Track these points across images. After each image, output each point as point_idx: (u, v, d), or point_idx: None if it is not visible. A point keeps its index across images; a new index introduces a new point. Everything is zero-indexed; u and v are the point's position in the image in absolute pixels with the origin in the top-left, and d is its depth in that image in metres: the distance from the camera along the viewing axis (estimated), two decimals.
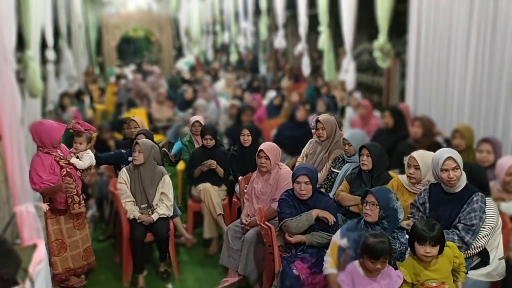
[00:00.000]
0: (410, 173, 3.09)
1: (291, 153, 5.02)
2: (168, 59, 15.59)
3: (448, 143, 4.06)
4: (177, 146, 5.01)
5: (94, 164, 3.54)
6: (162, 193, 3.69)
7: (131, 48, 17.32)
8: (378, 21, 5.54)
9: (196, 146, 4.61)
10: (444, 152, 2.81)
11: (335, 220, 3.08)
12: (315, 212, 3.07)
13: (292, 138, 5.06)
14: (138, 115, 6.95)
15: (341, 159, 3.87)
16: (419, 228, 2.55)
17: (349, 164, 3.74)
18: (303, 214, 3.06)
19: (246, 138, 4.24)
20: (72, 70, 8.37)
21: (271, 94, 8.52)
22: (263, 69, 12.23)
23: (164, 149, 4.31)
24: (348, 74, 7.21)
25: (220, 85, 9.44)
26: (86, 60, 11.65)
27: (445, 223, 2.73)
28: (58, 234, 3.38)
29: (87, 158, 3.45)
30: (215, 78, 11.16)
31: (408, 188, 3.11)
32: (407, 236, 2.72)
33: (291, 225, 3.05)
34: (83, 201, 3.39)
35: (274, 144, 3.71)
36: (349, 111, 6.69)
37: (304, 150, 4.24)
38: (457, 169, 2.74)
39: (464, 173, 2.77)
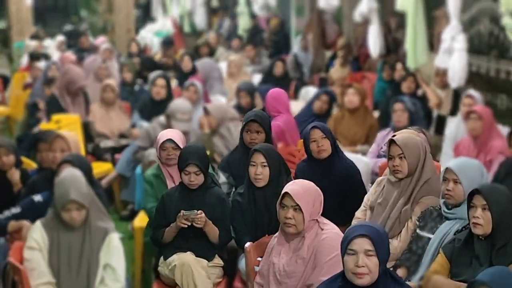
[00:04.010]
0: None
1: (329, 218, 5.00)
2: (125, 25, 15.86)
3: None
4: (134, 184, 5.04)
5: None
6: (106, 266, 3.75)
7: (59, 6, 17.77)
8: None
9: (169, 184, 4.65)
10: None
11: None
12: None
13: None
14: (67, 127, 7.10)
15: (435, 213, 3.90)
16: None
17: (450, 223, 3.76)
18: None
19: (258, 172, 4.29)
20: None
21: (309, 91, 8.57)
22: (296, 46, 12.37)
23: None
24: (453, 56, 7.25)
25: (217, 73, 9.55)
26: None
27: None
28: None
29: None
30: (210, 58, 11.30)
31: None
32: None
33: None
34: None
35: (311, 185, 3.74)
36: (453, 125, 6.70)
37: (368, 197, 4.27)
38: None
39: None
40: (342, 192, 4.60)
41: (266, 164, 4.29)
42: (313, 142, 4.66)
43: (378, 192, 4.23)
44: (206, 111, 5.69)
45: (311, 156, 4.71)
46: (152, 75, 8.71)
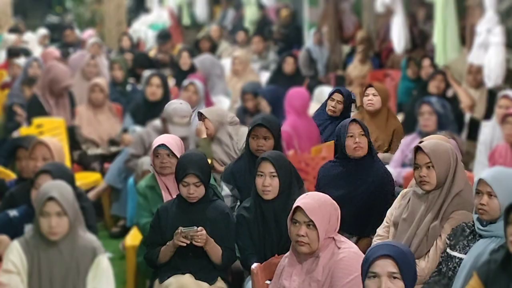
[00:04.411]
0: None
1: (353, 229, 4.98)
2: (115, 16, 15.89)
3: None
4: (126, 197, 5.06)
5: None
6: None
7: None
8: None
9: (165, 197, 4.69)
10: None
11: None
12: None
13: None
14: (50, 133, 7.13)
15: (467, 230, 3.90)
16: None
17: (485, 241, 3.76)
18: None
19: (267, 183, 4.32)
20: None
21: (324, 91, 8.59)
22: (309, 40, 12.38)
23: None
24: (489, 52, 7.24)
25: (219, 71, 9.59)
26: None
27: None
28: None
29: None
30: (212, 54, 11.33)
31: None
32: None
33: None
34: None
35: (326, 198, 3.77)
36: (487, 129, 6.71)
37: (391, 212, 4.28)
38: None
39: None
40: (370, 200, 4.67)
41: (275, 174, 4.30)
42: (350, 137, 4.76)
43: (402, 206, 4.23)
44: (201, 116, 5.72)
45: (343, 154, 4.78)
46: (147, 73, 8.74)
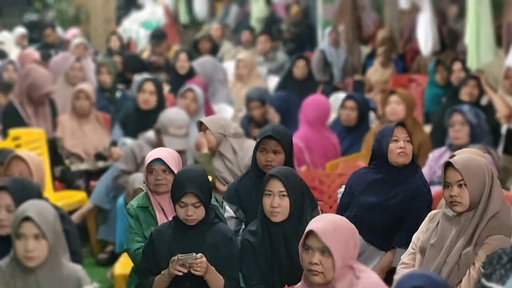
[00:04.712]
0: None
1: (383, 242, 5.04)
2: (103, 13, 15.95)
3: None
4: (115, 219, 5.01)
5: None
6: None
7: None
8: None
9: (160, 219, 4.68)
10: None
11: None
12: None
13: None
14: (28, 146, 7.11)
15: (505, 258, 3.82)
16: None
17: None
18: None
19: (276, 203, 4.31)
20: None
21: (340, 99, 8.57)
22: (323, 40, 12.39)
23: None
24: None
25: (221, 75, 9.58)
26: None
27: None
28: None
29: None
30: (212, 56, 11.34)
31: None
32: None
33: None
34: None
35: (343, 220, 3.76)
36: None
37: (417, 237, 4.27)
38: None
39: None
40: (405, 211, 4.73)
41: (285, 193, 4.29)
42: (394, 141, 4.80)
43: (430, 230, 4.22)
44: (202, 127, 5.68)
45: (382, 160, 4.83)
46: (138, 78, 8.74)
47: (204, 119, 5.79)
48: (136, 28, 15.23)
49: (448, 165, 4.13)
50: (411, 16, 10.54)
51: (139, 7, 17.60)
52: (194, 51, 10.88)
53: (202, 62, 9.31)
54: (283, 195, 4.28)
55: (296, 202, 4.32)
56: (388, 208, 4.77)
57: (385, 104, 6.89)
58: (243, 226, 4.83)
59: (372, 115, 7.86)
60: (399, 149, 4.77)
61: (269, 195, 4.30)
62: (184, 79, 8.92)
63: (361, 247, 4.27)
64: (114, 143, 7.38)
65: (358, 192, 4.86)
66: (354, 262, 3.70)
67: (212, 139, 5.60)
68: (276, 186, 4.29)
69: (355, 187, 4.95)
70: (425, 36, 9.42)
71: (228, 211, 4.90)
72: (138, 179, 5.70)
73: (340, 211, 4.90)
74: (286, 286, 4.12)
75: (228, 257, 4.34)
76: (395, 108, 6.70)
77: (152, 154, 4.79)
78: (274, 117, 6.85)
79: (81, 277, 3.78)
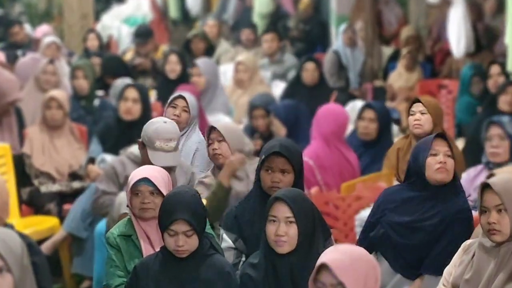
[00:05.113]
0: None
1: (411, 270, 5.04)
2: (79, 8, 15.99)
3: None
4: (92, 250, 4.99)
5: None
6: None
7: None
8: None
9: (145, 250, 4.69)
10: None
11: None
12: None
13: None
14: None
15: None
16: None
17: None
18: None
19: (281, 231, 4.30)
20: None
21: (358, 107, 8.59)
22: (337, 39, 12.44)
23: None
24: None
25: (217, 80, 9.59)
26: None
27: None
28: None
29: None
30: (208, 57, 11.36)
31: None
32: None
33: None
34: None
35: (361, 252, 3.73)
36: None
37: (449, 271, 4.29)
38: None
39: None
40: (437, 238, 4.79)
41: (292, 219, 4.28)
42: (433, 155, 4.86)
43: (465, 263, 4.24)
44: (216, 134, 5.65)
45: (419, 177, 4.85)
46: (120, 83, 8.75)
47: (219, 126, 5.77)
48: (117, 25, 15.30)
49: (485, 187, 4.13)
50: (441, 11, 10.58)
51: (121, 0, 17.66)
52: (185, 52, 10.90)
53: (206, 62, 9.32)
54: (290, 222, 4.27)
55: (306, 230, 4.30)
56: (421, 229, 4.80)
57: (410, 113, 6.86)
58: (243, 258, 4.83)
59: (394, 127, 7.87)
60: (438, 164, 4.81)
61: (274, 221, 4.28)
62: (174, 85, 8.90)
63: (385, 277, 4.27)
64: (91, 160, 7.44)
65: (389, 211, 4.89)
66: None
67: (228, 153, 5.57)
68: (282, 211, 4.27)
69: (386, 204, 4.99)
70: (457, 35, 9.44)
71: (226, 241, 4.88)
72: (125, 202, 5.67)
73: (365, 232, 4.92)
74: None
75: None
76: (420, 118, 6.66)
77: (137, 173, 4.79)
78: (280, 130, 6.86)
79: None
